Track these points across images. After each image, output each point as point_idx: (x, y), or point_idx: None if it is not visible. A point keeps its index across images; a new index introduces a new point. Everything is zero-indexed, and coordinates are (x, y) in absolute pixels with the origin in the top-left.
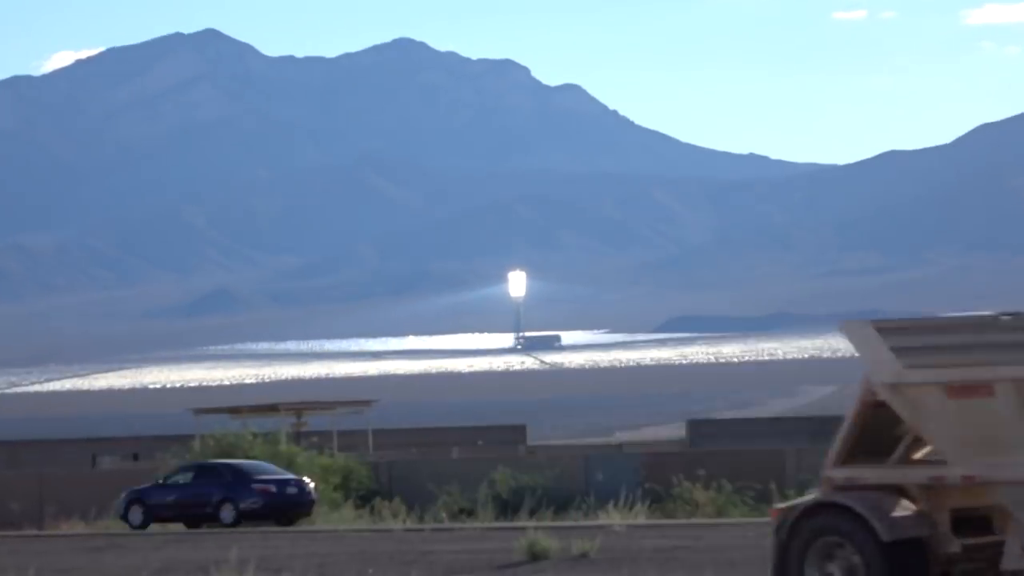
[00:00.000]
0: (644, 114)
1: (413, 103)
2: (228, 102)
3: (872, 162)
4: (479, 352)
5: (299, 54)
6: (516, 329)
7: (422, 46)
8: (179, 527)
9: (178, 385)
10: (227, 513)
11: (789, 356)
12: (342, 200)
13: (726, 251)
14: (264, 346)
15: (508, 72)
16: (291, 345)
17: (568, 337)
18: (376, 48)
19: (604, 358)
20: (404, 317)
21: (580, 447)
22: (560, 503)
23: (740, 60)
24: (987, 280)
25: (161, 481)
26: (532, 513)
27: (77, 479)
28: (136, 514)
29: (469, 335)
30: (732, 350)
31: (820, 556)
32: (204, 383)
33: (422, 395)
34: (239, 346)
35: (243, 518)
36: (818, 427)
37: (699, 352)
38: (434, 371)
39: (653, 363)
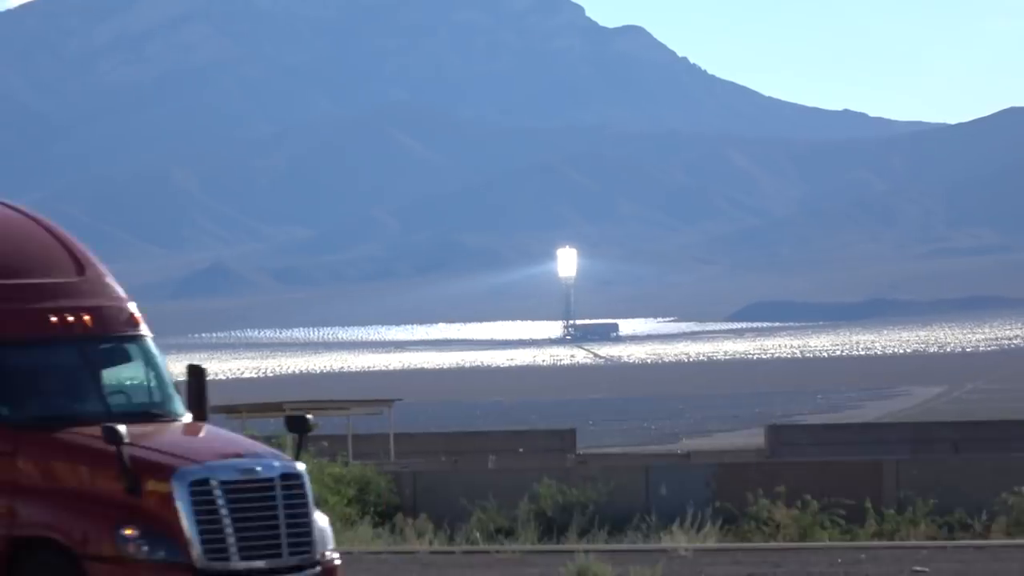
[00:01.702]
0: (719, 63)
1: (444, 45)
2: (226, 43)
3: (989, 121)
4: (521, 343)
5: None
6: (565, 316)
7: None
8: None
9: None
10: None
11: (888, 350)
12: (359, 160)
13: (815, 225)
14: (267, 334)
15: (558, 10)
16: (299, 333)
17: (627, 326)
18: None
19: (669, 351)
20: (432, 300)
21: (640, 456)
22: (616, 522)
23: (832, 1)
24: None
25: None
26: (582, 534)
27: None
28: None
29: (509, 323)
30: (821, 343)
31: None
32: None
33: (453, 393)
34: (237, 333)
35: None
36: (922, 435)
37: (782, 345)
38: (467, 365)
39: (727, 357)
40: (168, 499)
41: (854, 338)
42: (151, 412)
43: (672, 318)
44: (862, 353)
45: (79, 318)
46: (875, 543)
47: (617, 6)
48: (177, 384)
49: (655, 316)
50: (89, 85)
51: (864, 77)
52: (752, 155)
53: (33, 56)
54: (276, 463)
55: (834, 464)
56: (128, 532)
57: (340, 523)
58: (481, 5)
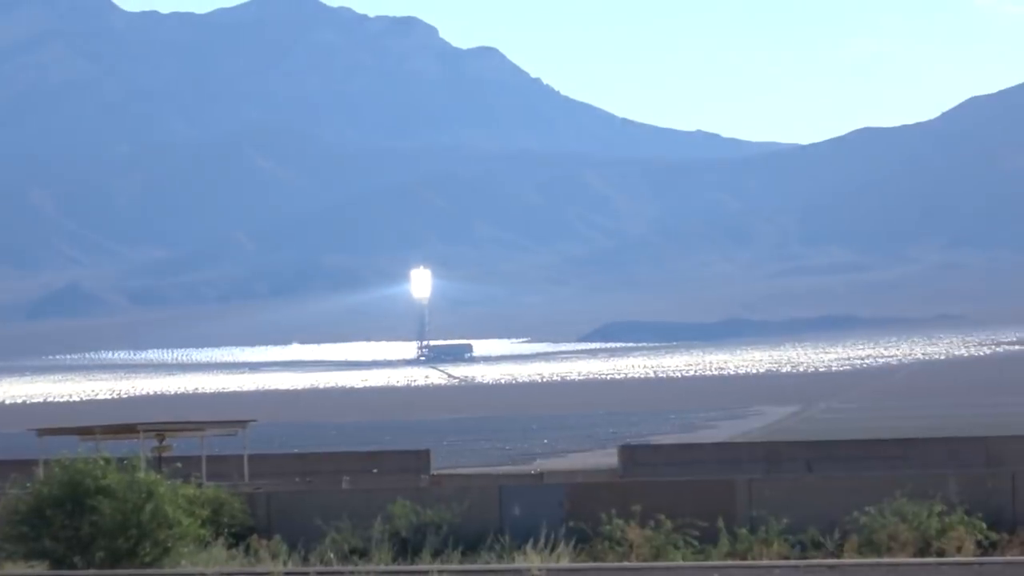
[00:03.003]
0: (573, 84)
1: (301, 67)
2: (82, 64)
3: (842, 141)
4: (376, 364)
5: (164, 9)
6: (420, 337)
7: (311, 0)
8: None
9: (19, 400)
10: None
11: (742, 370)
12: (216, 181)
13: (669, 245)
14: (121, 355)
15: (412, 32)
16: (153, 354)
17: (480, 347)
18: (257, 2)
19: (523, 371)
20: (288, 321)
21: (494, 476)
22: (470, 542)
23: (687, 21)
24: (975, 281)
25: None
26: (436, 554)
27: None
28: None
29: (365, 343)
30: (675, 363)
31: None
32: (49, 398)
33: (307, 415)
34: (92, 355)
35: None
36: (775, 454)
37: (636, 365)
38: (322, 386)
39: (581, 378)
40: None
41: (708, 358)
42: None
43: (526, 338)
44: (716, 373)
45: None
46: (728, 563)
47: (470, 28)
48: None
49: (509, 337)
50: None
51: (718, 98)
52: (606, 176)
53: None
54: None
55: (687, 483)
56: None
57: (194, 544)
58: (337, 26)
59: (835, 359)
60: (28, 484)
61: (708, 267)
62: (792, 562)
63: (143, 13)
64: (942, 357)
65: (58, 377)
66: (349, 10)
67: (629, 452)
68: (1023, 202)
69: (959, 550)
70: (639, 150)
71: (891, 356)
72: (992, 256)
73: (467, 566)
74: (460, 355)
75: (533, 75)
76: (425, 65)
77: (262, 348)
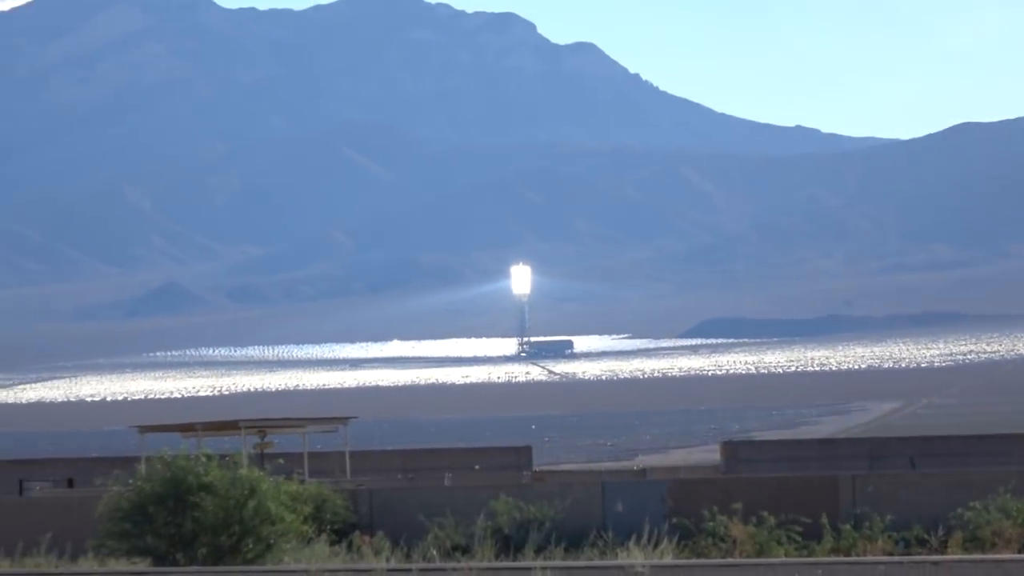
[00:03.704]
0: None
1: (398, 64)
2: (178, 62)
3: (942, 136)
4: (476, 360)
5: (262, 5)
6: (520, 333)
7: None
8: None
9: (120, 398)
10: None
11: (843, 366)
12: (314, 179)
13: (768, 241)
14: (222, 352)
15: (510, 28)
16: (253, 351)
17: (581, 343)
18: None
19: (624, 368)
20: (387, 318)
21: (596, 473)
22: (572, 539)
23: (786, 16)
24: None
25: None
26: (539, 551)
27: (0, 508)
28: None
29: (464, 340)
30: (776, 359)
31: None
32: (151, 395)
33: (409, 411)
34: (192, 352)
35: None
36: (878, 450)
37: (737, 361)
38: (423, 383)
39: (682, 374)
40: None
41: (809, 354)
42: None
43: (626, 335)
44: (817, 369)
45: None
46: (832, 559)
47: (569, 23)
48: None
49: (609, 333)
50: (40, 105)
51: (817, 93)
52: (704, 171)
53: None
54: None
55: (790, 480)
56: None
57: (296, 540)
58: (434, 24)
59: (937, 355)
60: (130, 481)
61: (807, 263)
62: (896, 558)
63: (240, 10)
64: None
65: (159, 374)
66: (447, 6)
67: (731, 448)
68: None
69: None
70: (738, 146)
71: (993, 352)
72: None
73: (570, 563)
74: (560, 351)
75: (632, 70)
76: (523, 61)
77: (362, 345)
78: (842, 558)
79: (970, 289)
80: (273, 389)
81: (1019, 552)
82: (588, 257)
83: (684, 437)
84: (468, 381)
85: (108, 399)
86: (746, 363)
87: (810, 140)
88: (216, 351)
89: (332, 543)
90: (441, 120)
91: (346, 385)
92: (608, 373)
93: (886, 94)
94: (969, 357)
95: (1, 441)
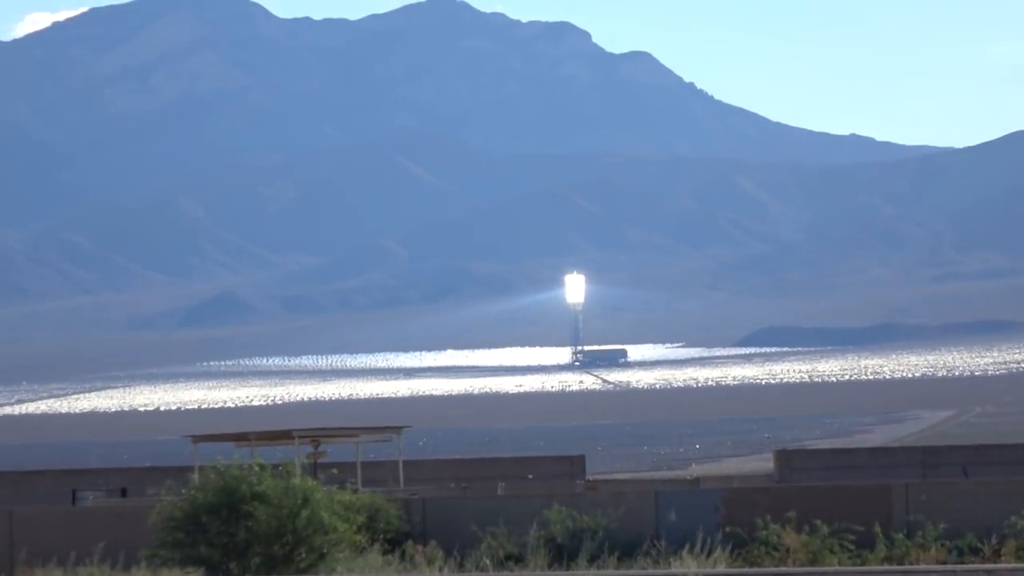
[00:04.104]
0: (726, 89)
1: (453, 73)
2: (233, 72)
3: (995, 144)
4: (530, 369)
5: (317, 15)
6: (574, 342)
7: (463, 6)
8: None
9: (173, 407)
10: None
11: (897, 375)
12: (368, 188)
13: (823, 250)
14: (275, 361)
15: (565, 37)
16: (307, 360)
17: (635, 352)
18: (408, 8)
19: (678, 376)
20: (441, 327)
21: (649, 482)
22: (625, 548)
23: (840, 26)
24: None
25: None
26: (592, 560)
27: (54, 518)
28: None
29: (518, 349)
30: (829, 367)
31: None
32: (204, 405)
33: (462, 420)
34: (245, 361)
35: None
36: (932, 458)
37: (790, 370)
38: (476, 392)
39: (736, 383)
40: None
41: (862, 362)
42: None
43: (680, 343)
44: (871, 377)
45: None
46: (885, 568)
47: (623, 32)
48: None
49: (663, 342)
50: (95, 114)
51: (871, 101)
52: (759, 180)
53: (39, 86)
54: None
55: (843, 489)
56: None
57: (350, 550)
58: (488, 32)
59: (991, 363)
60: (184, 490)
61: (861, 272)
62: (949, 567)
63: (295, 20)
64: None
65: (212, 384)
66: (502, 15)
67: (785, 457)
68: None
69: None
70: (792, 154)
71: None
72: None
73: (624, 572)
74: (614, 360)
75: (686, 79)
76: (577, 70)
77: (415, 354)
78: (895, 567)
79: None
80: (327, 398)
81: None
82: (642, 266)
83: (737, 446)
84: (522, 390)
85: (161, 409)
86: (800, 372)
87: (865, 149)
88: (270, 360)
89: (385, 552)
90: (495, 129)
91: (400, 394)
92: (662, 382)
93: (940, 102)
94: (1023, 366)
95: (54, 451)
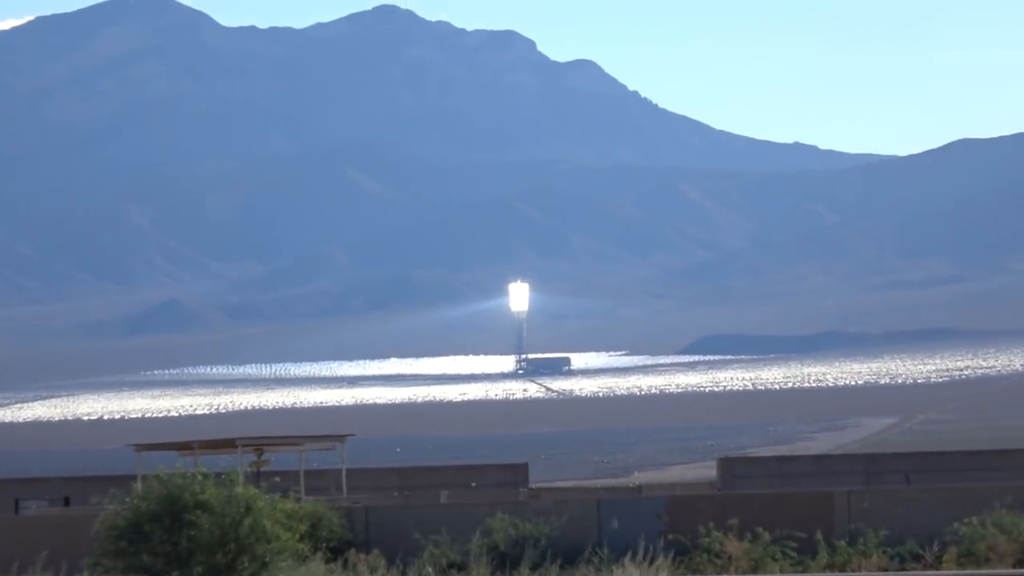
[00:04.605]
0: (670, 97)
1: (398, 82)
2: (179, 80)
3: (940, 152)
4: (474, 378)
5: (262, 24)
6: (518, 350)
7: (408, 14)
8: None
9: (117, 416)
10: None
11: (840, 382)
12: (313, 196)
13: (766, 258)
14: (219, 370)
15: (511, 45)
16: (251, 369)
17: (579, 360)
18: (353, 17)
19: (621, 384)
20: (385, 336)
21: (592, 490)
22: (568, 555)
23: (783, 33)
24: None
25: None
26: (535, 568)
27: None
28: None
29: (462, 357)
30: (773, 375)
31: None
32: (148, 414)
33: (405, 428)
34: (190, 370)
35: None
36: (874, 466)
37: (734, 378)
38: (420, 400)
39: (679, 391)
40: None
41: (806, 370)
42: None
43: (624, 351)
44: (814, 385)
45: None
46: (827, 575)
47: (568, 41)
48: None
49: (607, 350)
50: (41, 124)
51: (814, 110)
52: (703, 188)
53: None
54: None
55: (786, 496)
56: None
57: (292, 559)
58: (433, 41)
59: (933, 371)
60: (127, 499)
61: (805, 280)
62: (891, 574)
63: (241, 28)
64: None
65: (157, 392)
66: (447, 24)
67: (728, 464)
68: None
69: None
70: (736, 162)
71: (990, 367)
72: None
73: None
74: (558, 368)
75: (631, 88)
76: (522, 78)
77: (360, 362)
78: (837, 574)
79: (967, 305)
80: (270, 407)
81: (1014, 567)
82: (586, 274)
83: (681, 453)
84: (465, 398)
85: (105, 417)
86: (743, 379)
87: (808, 157)
88: (214, 369)
89: (328, 561)
90: (440, 137)
91: (343, 403)
92: (605, 390)
93: (884, 110)
94: (965, 373)
95: None
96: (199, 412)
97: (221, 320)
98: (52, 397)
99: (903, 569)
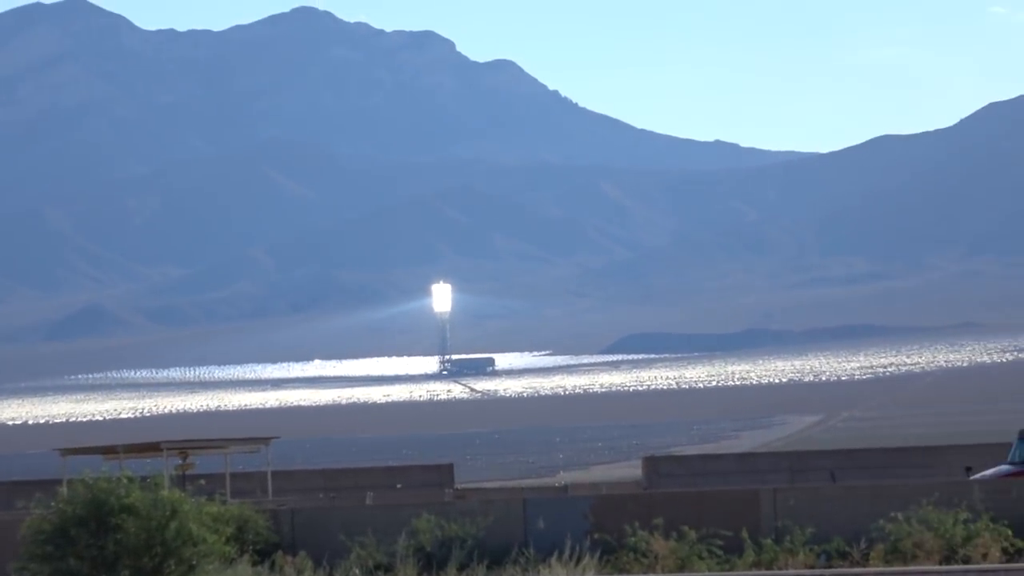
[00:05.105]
0: (590, 96)
1: (318, 83)
2: (98, 84)
3: (860, 149)
4: (398, 379)
5: (181, 26)
6: (441, 351)
7: (327, 16)
8: None
9: (42, 421)
10: None
11: (763, 380)
12: (234, 198)
13: (688, 256)
14: (143, 374)
15: (429, 46)
16: (175, 372)
17: (503, 360)
18: (273, 19)
19: (545, 384)
20: (308, 338)
21: (518, 490)
22: (495, 556)
23: (705, 33)
24: (995, 288)
25: None
26: (461, 568)
27: None
28: None
29: (386, 359)
30: (696, 373)
31: None
32: (72, 418)
33: (330, 430)
34: (113, 374)
35: None
36: (799, 463)
37: (658, 376)
38: (344, 402)
39: (603, 390)
40: None
41: (729, 368)
42: None
43: (547, 351)
44: (737, 383)
45: None
46: (753, 573)
47: (487, 41)
48: None
49: (530, 350)
50: None
51: (736, 108)
52: (624, 187)
53: None
54: None
55: (711, 494)
56: None
57: (219, 561)
58: (353, 42)
59: (857, 368)
60: (52, 504)
61: (727, 278)
62: (817, 571)
63: (160, 31)
64: (964, 364)
65: (80, 397)
66: (365, 25)
67: (652, 464)
68: None
69: (985, 557)
70: (657, 161)
71: (913, 364)
72: (1011, 263)
73: None
74: (482, 369)
75: (551, 87)
76: (442, 79)
77: (283, 365)
78: (763, 572)
79: (889, 302)
80: (195, 410)
81: (940, 564)
82: (509, 274)
83: (606, 453)
84: (389, 400)
85: (29, 422)
86: (667, 378)
87: (729, 155)
88: (138, 373)
89: (255, 564)
90: (361, 138)
91: (268, 405)
92: (529, 390)
93: (805, 108)
94: (889, 370)
95: None
96: (123, 416)
97: (143, 324)
98: None
99: (830, 566)
